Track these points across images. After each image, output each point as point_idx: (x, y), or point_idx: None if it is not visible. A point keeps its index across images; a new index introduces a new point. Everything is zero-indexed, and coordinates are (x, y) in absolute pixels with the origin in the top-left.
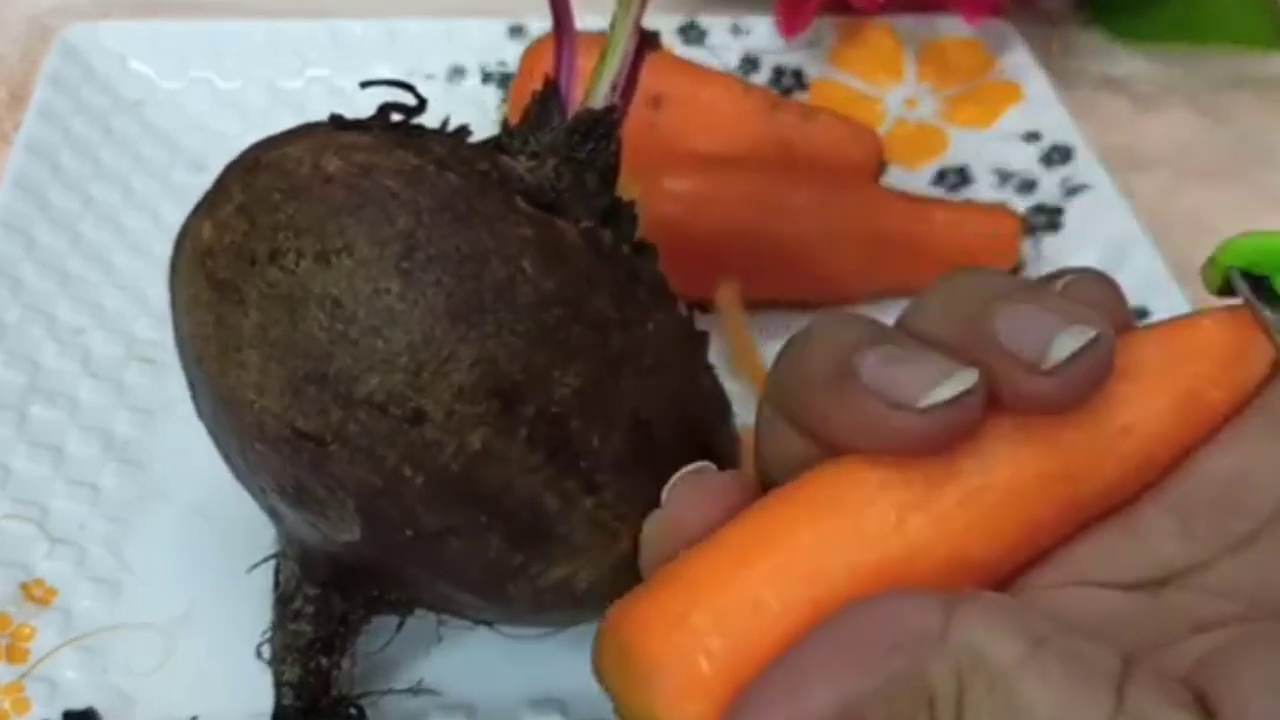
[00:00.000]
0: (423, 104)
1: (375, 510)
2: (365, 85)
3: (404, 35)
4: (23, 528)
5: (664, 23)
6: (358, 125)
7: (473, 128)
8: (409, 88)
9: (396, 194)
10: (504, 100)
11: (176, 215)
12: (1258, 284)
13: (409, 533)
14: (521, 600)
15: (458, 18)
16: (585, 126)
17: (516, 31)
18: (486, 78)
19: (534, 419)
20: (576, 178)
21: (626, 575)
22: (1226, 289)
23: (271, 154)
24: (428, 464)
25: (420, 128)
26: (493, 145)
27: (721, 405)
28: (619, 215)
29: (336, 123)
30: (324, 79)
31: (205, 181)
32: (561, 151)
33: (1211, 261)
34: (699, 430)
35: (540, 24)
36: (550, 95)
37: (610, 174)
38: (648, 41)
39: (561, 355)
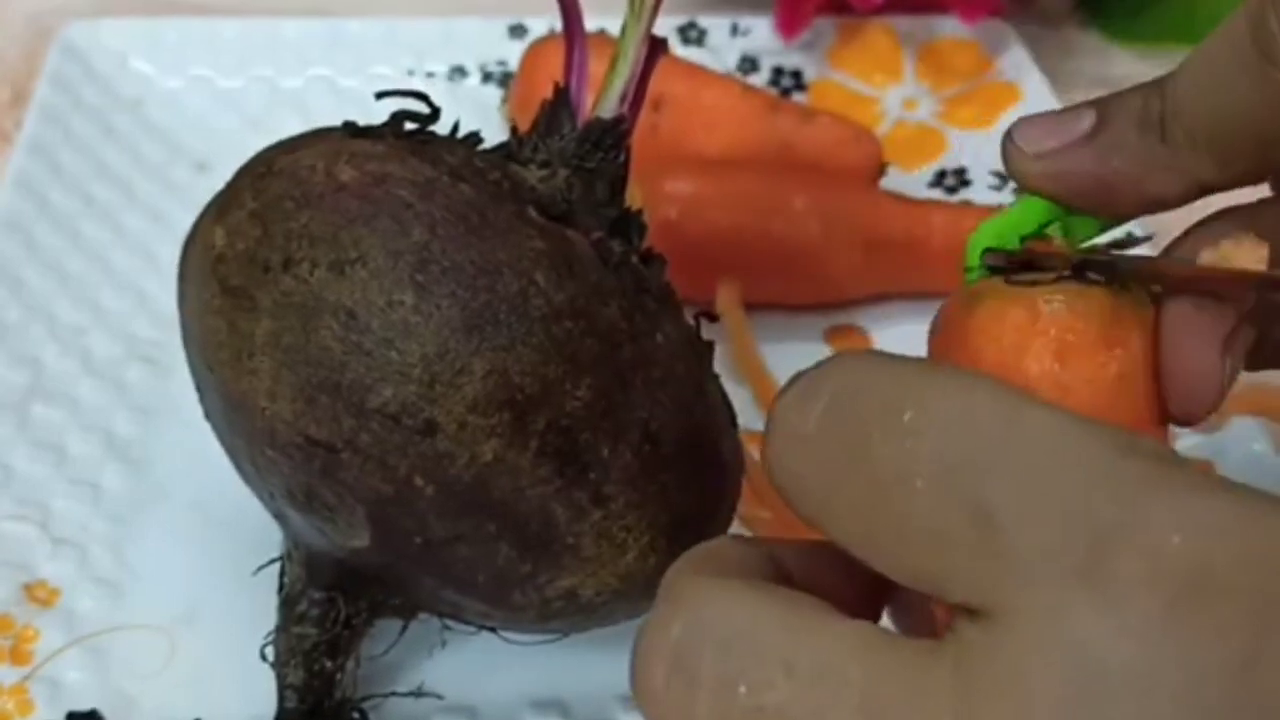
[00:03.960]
0: (436, 113)
1: (385, 518)
2: (380, 96)
3: (404, 34)
4: (25, 529)
5: (664, 23)
6: (370, 132)
7: (474, 127)
8: (423, 97)
9: (411, 205)
10: (504, 100)
11: (177, 214)
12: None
13: (418, 540)
14: (528, 608)
15: (458, 17)
16: (596, 136)
17: (516, 31)
18: (487, 77)
19: (545, 431)
20: (587, 188)
21: (633, 586)
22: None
23: (284, 160)
24: (439, 474)
25: (432, 135)
26: (503, 153)
27: (727, 414)
28: (628, 225)
29: (349, 129)
30: (324, 78)
31: (206, 180)
32: (572, 161)
33: (968, 269)
34: (706, 440)
35: (540, 23)
36: (560, 103)
37: (619, 184)
38: (657, 49)
39: (573, 368)
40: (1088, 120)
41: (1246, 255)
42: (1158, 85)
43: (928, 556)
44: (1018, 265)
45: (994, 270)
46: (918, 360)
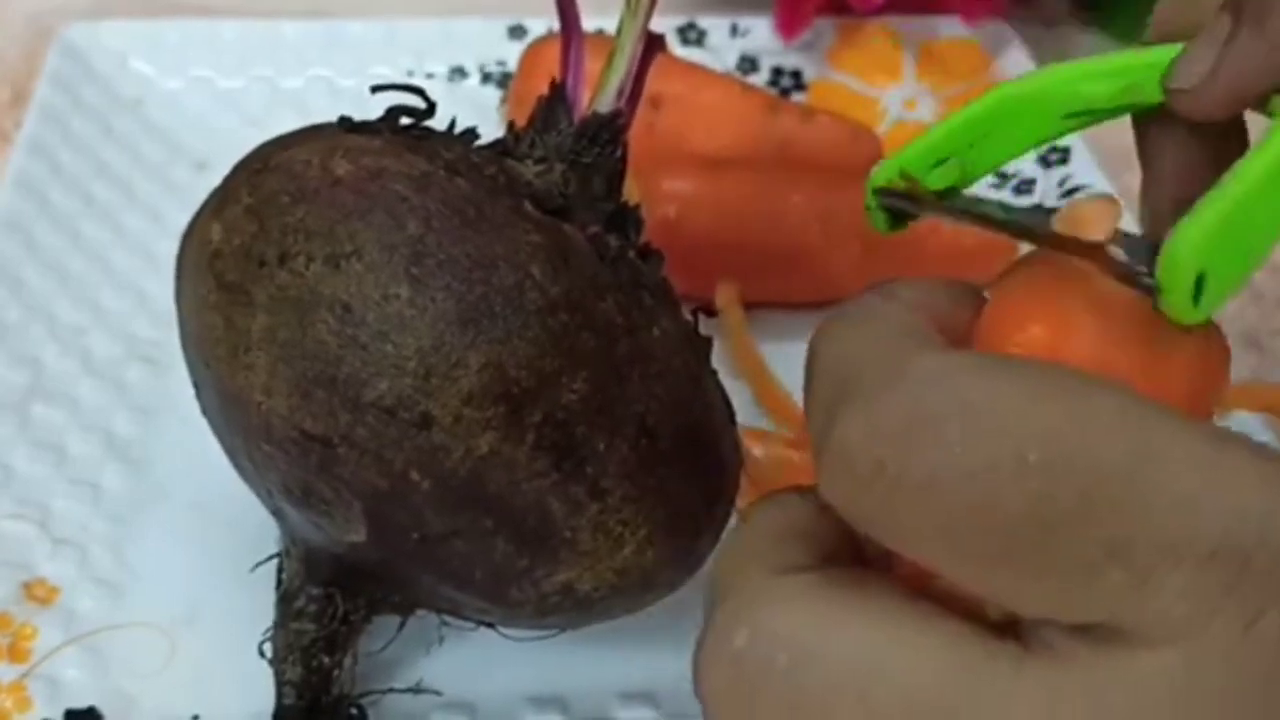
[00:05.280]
0: (432, 108)
1: (381, 512)
2: (376, 90)
3: (404, 35)
4: (25, 528)
5: (663, 24)
6: (366, 128)
7: (475, 128)
8: (418, 91)
9: (406, 199)
10: (504, 100)
11: (177, 214)
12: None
13: (415, 535)
14: (525, 604)
15: (458, 18)
16: (592, 131)
17: (516, 31)
18: (486, 78)
19: (541, 424)
20: (583, 183)
21: (630, 580)
22: (893, 221)
23: (280, 155)
24: (435, 468)
25: (429, 131)
26: (500, 149)
27: (725, 410)
28: (624, 220)
29: (345, 125)
30: (324, 78)
31: (206, 180)
32: (569, 156)
33: (867, 209)
34: (704, 435)
35: (540, 24)
36: (557, 99)
37: (616, 179)
38: (654, 45)
39: (569, 361)
40: (1224, 21)
41: (1099, 213)
42: None
43: (1060, 595)
44: (904, 200)
45: (889, 210)
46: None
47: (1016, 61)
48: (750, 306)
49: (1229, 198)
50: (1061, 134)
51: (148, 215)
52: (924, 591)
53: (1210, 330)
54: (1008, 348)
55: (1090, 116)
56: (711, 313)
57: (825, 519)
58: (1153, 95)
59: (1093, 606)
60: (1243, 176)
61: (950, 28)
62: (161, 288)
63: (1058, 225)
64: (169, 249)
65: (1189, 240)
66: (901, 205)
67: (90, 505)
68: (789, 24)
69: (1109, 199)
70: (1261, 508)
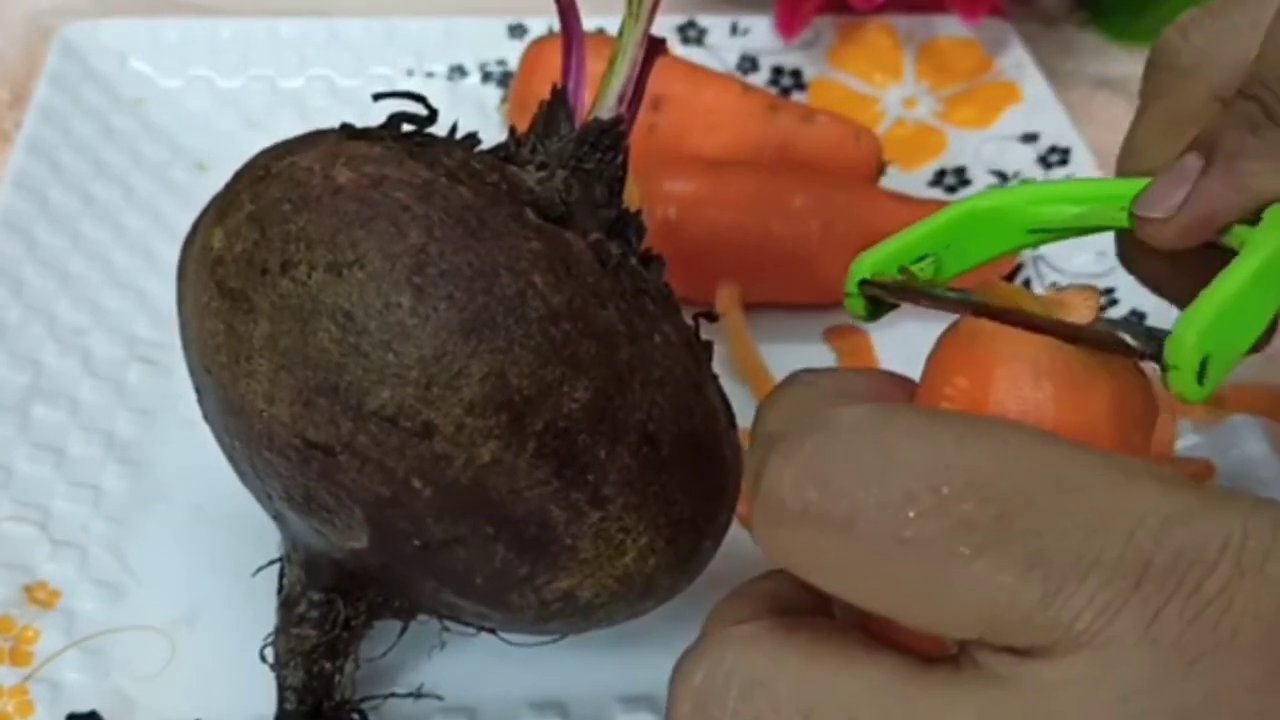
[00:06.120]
0: (433, 115)
1: (383, 520)
2: (378, 97)
3: (404, 34)
4: (25, 530)
5: (663, 23)
6: (368, 134)
7: (473, 126)
8: (420, 98)
9: (408, 207)
10: (504, 99)
11: (177, 214)
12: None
13: (416, 542)
14: (526, 610)
15: (458, 17)
16: (594, 137)
17: (516, 30)
18: (486, 77)
19: (542, 433)
20: (585, 189)
21: (631, 587)
22: (872, 309)
23: (281, 162)
24: (436, 476)
25: (430, 137)
26: (501, 155)
27: (726, 415)
28: (626, 226)
29: (347, 131)
30: (324, 78)
31: (206, 180)
32: (570, 162)
33: (848, 296)
34: (705, 441)
35: (540, 23)
36: (558, 103)
37: (618, 185)
38: (655, 49)
39: (570, 369)
40: (1193, 160)
41: (1082, 300)
42: (1241, 91)
43: (981, 617)
44: (894, 294)
45: (871, 300)
46: (955, 419)
47: (1016, 61)
48: (750, 307)
49: (1225, 294)
50: (1027, 246)
51: (148, 215)
52: (880, 639)
53: (1129, 368)
54: (938, 404)
55: (1050, 235)
56: (713, 318)
57: (789, 584)
58: (1108, 222)
59: (1013, 626)
60: (1235, 276)
61: (950, 27)
62: (162, 288)
63: (1042, 309)
64: (169, 249)
65: (1195, 328)
66: (884, 294)
67: (91, 507)
68: (789, 23)
69: (1090, 288)
70: (1161, 515)
